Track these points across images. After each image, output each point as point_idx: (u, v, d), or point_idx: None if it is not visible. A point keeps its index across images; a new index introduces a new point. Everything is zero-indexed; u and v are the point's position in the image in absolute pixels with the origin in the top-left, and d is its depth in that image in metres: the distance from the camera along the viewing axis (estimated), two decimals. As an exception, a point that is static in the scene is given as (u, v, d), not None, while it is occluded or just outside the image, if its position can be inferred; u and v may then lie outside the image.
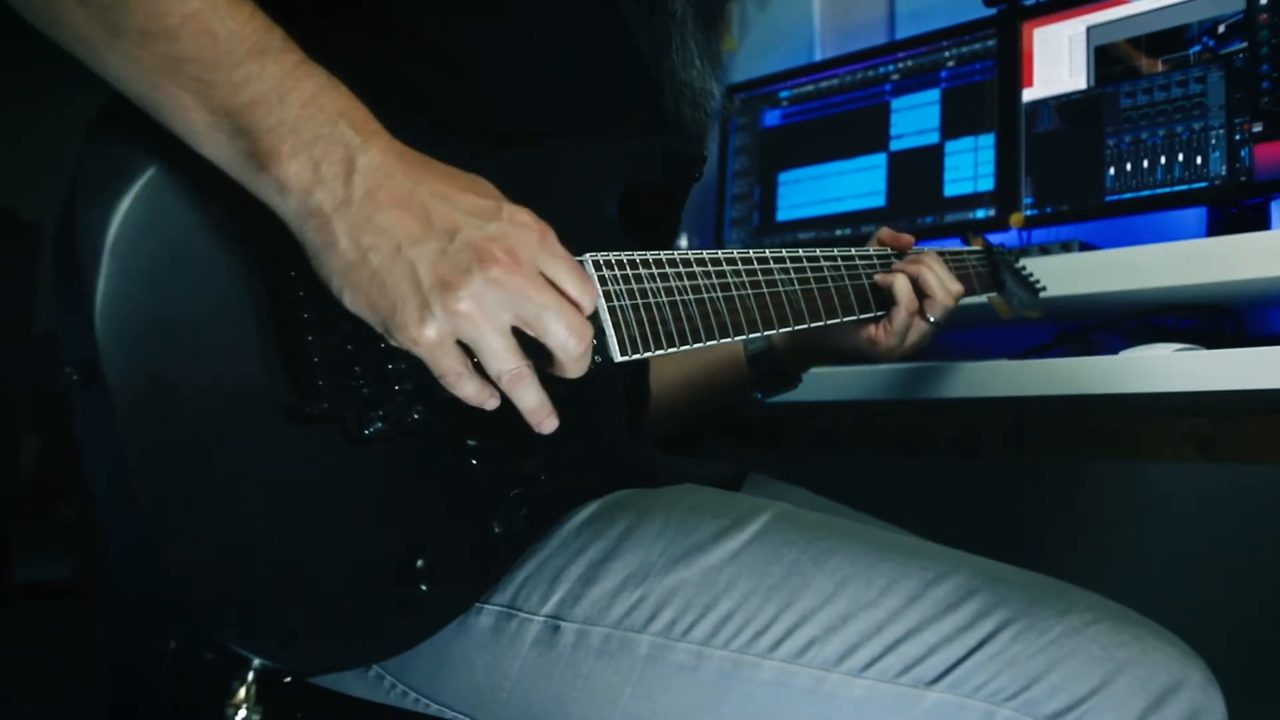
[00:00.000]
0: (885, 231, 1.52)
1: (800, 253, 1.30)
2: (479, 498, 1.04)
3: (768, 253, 1.25)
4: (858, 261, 1.39)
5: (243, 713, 0.91)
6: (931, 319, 1.44)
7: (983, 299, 1.63)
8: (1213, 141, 1.93)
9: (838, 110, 2.58)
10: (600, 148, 1.20)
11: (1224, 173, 1.92)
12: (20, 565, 4.30)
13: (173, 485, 0.89)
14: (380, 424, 0.98)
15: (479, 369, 0.97)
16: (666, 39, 1.25)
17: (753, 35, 2.99)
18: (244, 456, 0.92)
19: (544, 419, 1.00)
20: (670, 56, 1.25)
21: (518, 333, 0.96)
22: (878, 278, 1.41)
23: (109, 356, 0.87)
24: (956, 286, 1.46)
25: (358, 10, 1.12)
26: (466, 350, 0.95)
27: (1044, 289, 1.69)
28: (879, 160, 2.49)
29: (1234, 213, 1.95)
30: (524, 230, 0.95)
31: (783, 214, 2.63)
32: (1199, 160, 1.95)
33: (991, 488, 2.49)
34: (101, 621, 1.22)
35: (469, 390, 0.97)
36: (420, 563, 0.99)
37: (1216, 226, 2.00)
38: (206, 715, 0.94)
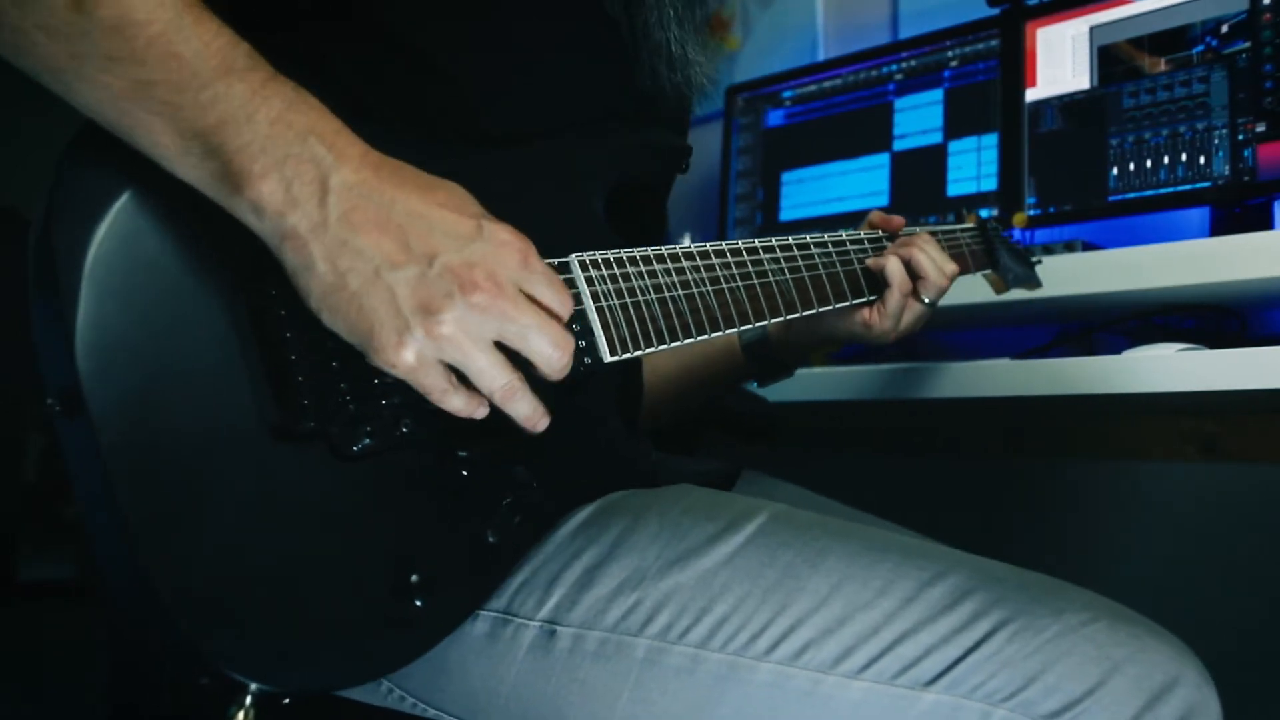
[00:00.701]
0: (876, 214, 1.51)
1: (790, 240, 1.29)
2: (471, 508, 1.04)
3: (756, 243, 1.25)
4: (849, 246, 1.38)
5: None
6: (926, 300, 1.42)
7: (983, 286, 1.62)
8: (1216, 141, 1.93)
9: (841, 110, 2.58)
10: (586, 146, 1.19)
11: (1227, 173, 1.92)
12: (24, 565, 4.30)
13: (161, 512, 0.88)
14: (368, 440, 0.97)
15: (464, 380, 0.96)
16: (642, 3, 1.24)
17: (756, 35, 2.99)
18: (232, 480, 0.92)
19: (538, 422, 1.00)
20: (643, 14, 1.24)
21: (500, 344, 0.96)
22: (869, 261, 1.40)
23: (90, 384, 0.87)
24: (951, 266, 1.44)
25: (337, 16, 1.12)
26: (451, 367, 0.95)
27: (1039, 261, 1.69)
28: (882, 160, 2.49)
29: (1237, 213, 1.95)
30: (504, 250, 0.95)
31: (786, 214, 2.63)
32: (1202, 160, 1.95)
33: (993, 488, 2.49)
34: (103, 621, 1.22)
35: (457, 404, 0.96)
36: (415, 577, 0.98)
37: (1219, 226, 2.00)
38: (208, 715, 0.94)
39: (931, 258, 1.42)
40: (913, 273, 1.41)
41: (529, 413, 0.99)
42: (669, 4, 1.24)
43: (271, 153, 0.89)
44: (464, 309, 0.92)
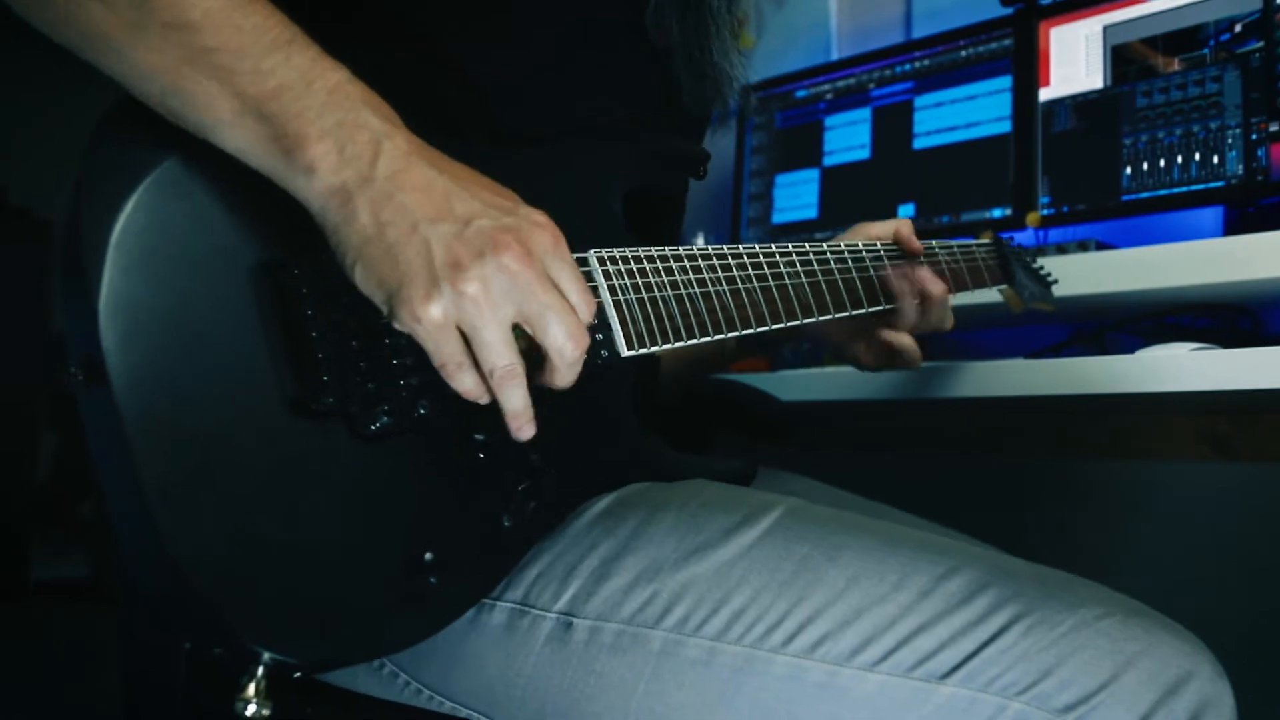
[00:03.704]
0: (904, 227, 1.51)
1: (807, 247, 1.30)
2: (487, 491, 1.04)
3: (774, 247, 1.25)
4: (865, 257, 1.39)
5: (252, 707, 0.91)
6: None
7: (994, 292, 1.62)
8: (1229, 141, 1.93)
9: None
10: (605, 147, 1.20)
11: (1240, 172, 1.91)
12: (38, 564, 4.32)
13: (179, 481, 0.89)
14: (386, 419, 0.98)
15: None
16: (705, 31, 1.25)
17: (769, 34, 2.99)
18: (250, 452, 0.93)
19: (524, 424, 0.98)
20: (709, 47, 1.25)
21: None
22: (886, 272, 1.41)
23: (112, 353, 0.88)
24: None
25: (362, 13, 1.13)
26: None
27: (1055, 281, 1.69)
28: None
29: (1250, 212, 1.95)
30: (539, 230, 0.95)
31: (796, 214, 2.63)
32: (1215, 159, 1.94)
33: (1006, 487, 2.49)
34: (119, 621, 1.22)
35: (467, 383, 0.96)
36: (429, 556, 0.99)
37: (1233, 226, 2.00)
38: (222, 716, 0.95)
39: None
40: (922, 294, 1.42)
41: (520, 408, 0.97)
42: (726, 29, 1.26)
43: (328, 118, 0.91)
44: (493, 269, 0.92)
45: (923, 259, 1.46)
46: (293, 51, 0.92)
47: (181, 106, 0.91)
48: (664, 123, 1.29)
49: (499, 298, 0.93)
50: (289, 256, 0.96)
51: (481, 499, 1.04)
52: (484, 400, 0.98)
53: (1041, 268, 1.70)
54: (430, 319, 0.92)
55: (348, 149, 0.91)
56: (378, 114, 0.93)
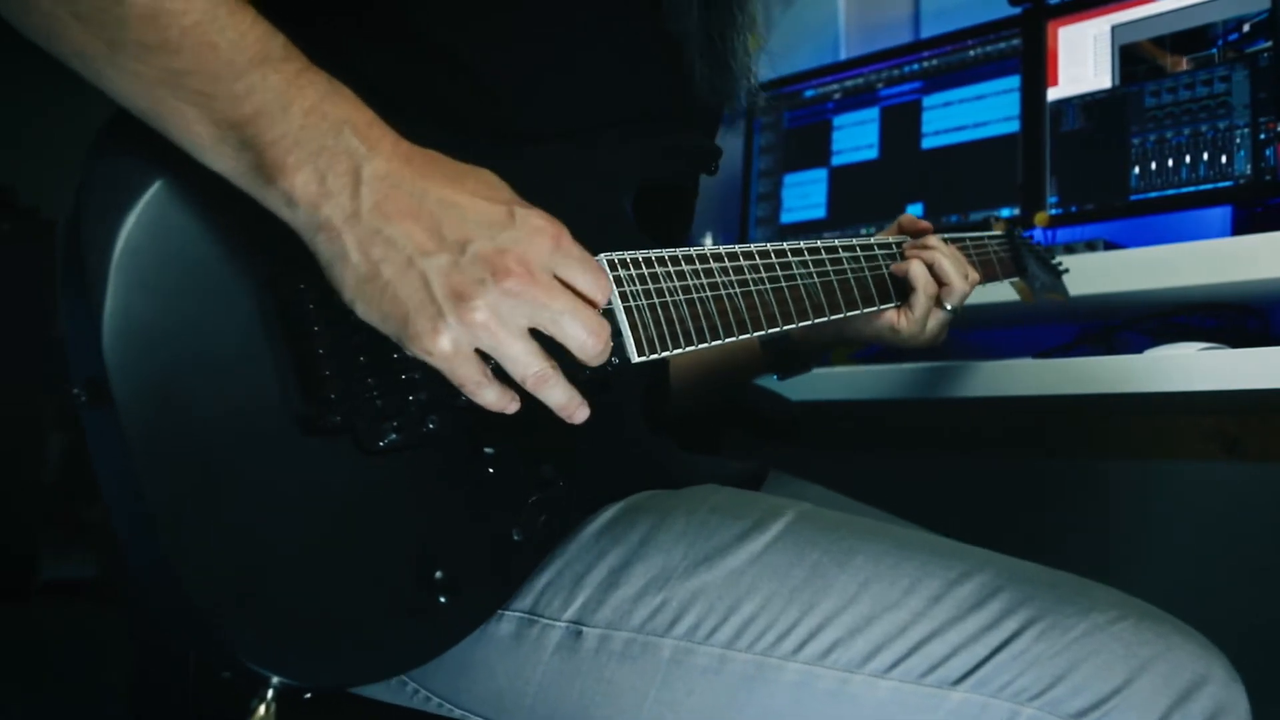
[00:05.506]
0: (906, 217, 1.51)
1: (818, 244, 1.29)
2: (497, 506, 1.04)
3: (785, 246, 1.24)
4: (877, 251, 1.38)
5: None
6: (949, 307, 1.42)
7: (1005, 285, 1.62)
8: (1237, 140, 1.93)
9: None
10: (615, 146, 1.19)
11: (1249, 172, 1.91)
12: (45, 565, 4.32)
13: (186, 501, 0.88)
14: (394, 435, 0.97)
15: (497, 373, 0.96)
16: (730, 20, 1.25)
17: (777, 34, 2.99)
18: (258, 471, 0.92)
19: (575, 410, 0.99)
20: (730, 36, 1.25)
21: (535, 331, 0.95)
22: (894, 267, 1.40)
23: (117, 374, 0.86)
24: (974, 275, 1.44)
25: (368, 13, 1.12)
26: (484, 357, 0.95)
27: (1066, 271, 1.69)
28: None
29: (1258, 212, 1.95)
30: (537, 236, 0.94)
31: (805, 214, 2.63)
32: (1224, 159, 1.94)
33: (1016, 487, 2.49)
34: (126, 624, 1.22)
35: (489, 398, 0.96)
36: (439, 574, 0.98)
37: (1241, 225, 2.00)
38: (229, 713, 0.94)
39: (956, 263, 1.42)
40: (937, 278, 1.40)
41: (564, 401, 0.98)
42: (746, 26, 1.25)
43: (306, 145, 0.89)
44: (497, 295, 0.91)
45: (940, 237, 1.46)
46: (269, 71, 0.89)
47: (165, 128, 0.90)
48: (676, 119, 1.28)
49: (508, 318, 0.92)
50: (294, 271, 0.94)
51: (491, 513, 1.04)
52: (509, 410, 0.98)
53: (1053, 257, 1.70)
54: (441, 351, 0.91)
55: (328, 178, 0.89)
56: (357, 132, 0.91)
